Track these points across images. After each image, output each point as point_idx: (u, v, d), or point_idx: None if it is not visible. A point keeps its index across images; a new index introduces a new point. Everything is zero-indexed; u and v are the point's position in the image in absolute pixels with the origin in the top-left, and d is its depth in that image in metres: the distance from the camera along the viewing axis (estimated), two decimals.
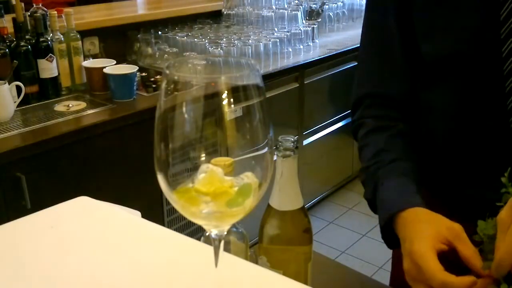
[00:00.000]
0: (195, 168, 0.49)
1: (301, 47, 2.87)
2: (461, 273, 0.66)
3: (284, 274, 0.71)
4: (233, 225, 0.72)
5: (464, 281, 0.64)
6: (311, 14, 3.08)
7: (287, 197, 0.78)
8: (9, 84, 1.90)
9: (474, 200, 0.83)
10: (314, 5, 3.12)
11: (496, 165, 0.76)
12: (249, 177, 0.49)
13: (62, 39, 2.15)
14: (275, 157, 0.75)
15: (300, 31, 2.89)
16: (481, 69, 0.81)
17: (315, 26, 3.03)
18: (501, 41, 0.77)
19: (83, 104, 2.06)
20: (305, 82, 2.79)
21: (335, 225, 3.04)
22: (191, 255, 0.70)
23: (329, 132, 3.09)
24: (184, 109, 0.47)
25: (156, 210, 2.12)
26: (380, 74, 0.96)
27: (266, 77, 2.44)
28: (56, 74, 2.13)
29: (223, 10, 3.14)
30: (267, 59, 2.65)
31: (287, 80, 2.68)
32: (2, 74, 1.93)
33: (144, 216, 0.82)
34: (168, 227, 0.84)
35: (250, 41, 2.64)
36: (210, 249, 0.54)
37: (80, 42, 2.23)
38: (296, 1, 3.20)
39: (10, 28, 2.04)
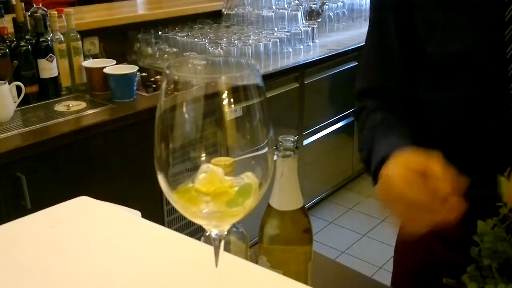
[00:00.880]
0: (195, 168, 0.49)
1: (301, 47, 2.87)
2: (459, 253, 0.67)
3: (284, 274, 0.71)
4: (233, 225, 0.72)
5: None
6: (311, 14, 3.08)
7: (287, 197, 0.78)
8: (9, 84, 1.90)
9: (476, 199, 0.83)
10: (314, 5, 3.11)
11: (499, 165, 0.76)
12: (249, 177, 0.49)
13: (62, 39, 2.15)
14: (275, 157, 0.75)
15: (300, 31, 2.89)
16: (486, 70, 0.82)
17: (315, 26, 3.03)
18: (505, 43, 0.78)
19: (83, 104, 2.06)
20: (305, 82, 2.79)
21: (335, 225, 3.04)
22: (191, 255, 0.70)
23: (329, 132, 3.09)
24: (184, 109, 0.47)
25: (156, 210, 2.12)
26: (380, 73, 0.98)
27: (266, 77, 2.44)
28: (56, 74, 2.13)
29: (223, 10, 3.14)
30: (267, 59, 2.65)
31: (287, 80, 2.68)
32: (2, 74, 1.93)
33: (144, 216, 0.82)
34: (168, 227, 0.84)
35: (250, 41, 2.64)
36: (210, 249, 0.54)
37: (80, 42, 2.23)
38: (296, 1, 3.19)
39: (10, 28, 2.04)
